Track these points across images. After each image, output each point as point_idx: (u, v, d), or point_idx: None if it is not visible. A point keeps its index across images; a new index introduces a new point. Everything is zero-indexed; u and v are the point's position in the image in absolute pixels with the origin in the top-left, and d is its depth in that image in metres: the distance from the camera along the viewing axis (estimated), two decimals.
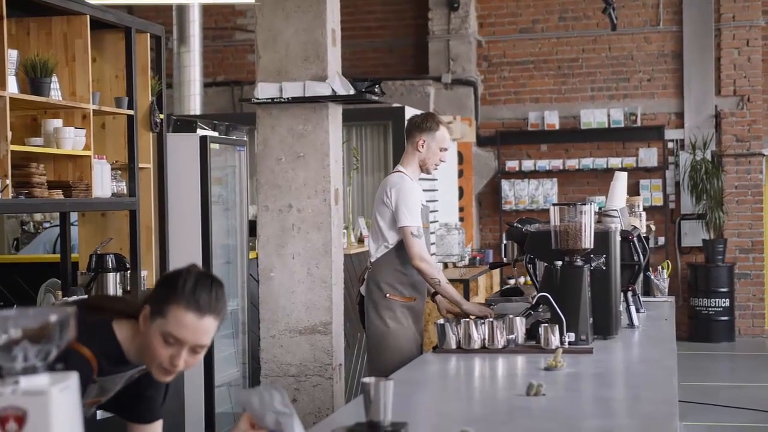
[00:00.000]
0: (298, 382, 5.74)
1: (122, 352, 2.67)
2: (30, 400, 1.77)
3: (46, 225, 9.00)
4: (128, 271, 5.72)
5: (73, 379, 1.85)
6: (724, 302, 12.29)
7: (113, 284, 5.56)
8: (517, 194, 13.01)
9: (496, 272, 11.57)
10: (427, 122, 5.37)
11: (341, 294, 6.06)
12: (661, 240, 12.62)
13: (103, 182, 5.41)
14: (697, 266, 12.48)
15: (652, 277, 6.52)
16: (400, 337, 5.18)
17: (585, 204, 4.46)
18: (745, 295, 12.66)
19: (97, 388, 2.70)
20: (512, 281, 12.34)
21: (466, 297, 8.32)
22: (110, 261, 5.55)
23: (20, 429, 1.76)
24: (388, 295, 5.23)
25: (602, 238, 4.58)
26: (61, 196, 5.09)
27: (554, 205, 4.50)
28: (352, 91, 5.89)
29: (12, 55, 4.83)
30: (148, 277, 5.97)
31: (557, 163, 12.89)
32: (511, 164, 13.02)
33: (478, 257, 11.10)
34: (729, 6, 12.64)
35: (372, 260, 5.31)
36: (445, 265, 10.13)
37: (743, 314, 12.63)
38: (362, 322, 5.43)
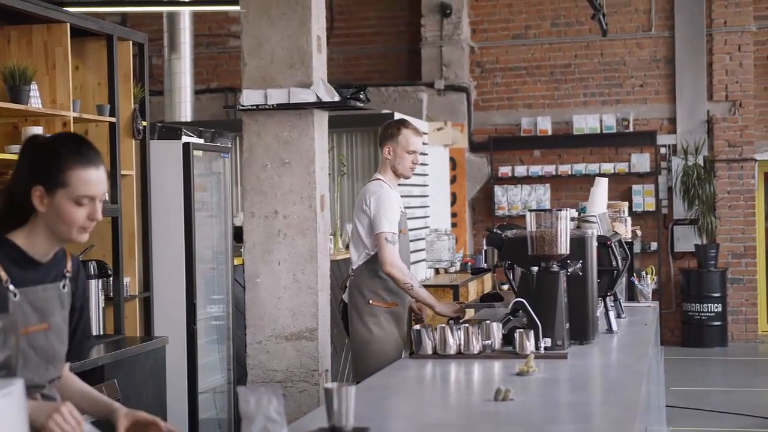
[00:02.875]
0: (284, 388, 5.75)
1: (25, 252, 2.73)
2: None
3: None
4: (110, 278, 5.73)
5: (17, 385, 1.86)
6: (717, 307, 12.30)
7: (95, 291, 5.56)
8: (510, 200, 13.03)
9: (488, 278, 11.57)
10: (388, 129, 5.50)
11: (327, 300, 6.07)
12: (654, 245, 12.63)
13: None
14: (689, 271, 12.49)
15: (636, 282, 6.53)
16: (384, 342, 5.23)
17: (561, 210, 4.47)
18: (738, 300, 12.66)
19: (27, 306, 2.71)
20: (506, 287, 12.34)
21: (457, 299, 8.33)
22: (92, 268, 5.55)
23: None
24: (371, 301, 5.29)
25: (579, 243, 4.58)
26: None
27: (531, 211, 4.52)
28: (336, 98, 5.91)
29: None
30: (131, 284, 5.98)
31: (550, 169, 12.90)
32: (504, 170, 13.03)
33: (469, 263, 11.10)
34: (721, 11, 12.66)
35: (354, 267, 5.37)
36: (436, 271, 10.13)
37: (736, 319, 12.64)
38: (346, 329, 5.46)
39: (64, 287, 2.84)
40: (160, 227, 6.29)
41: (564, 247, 4.43)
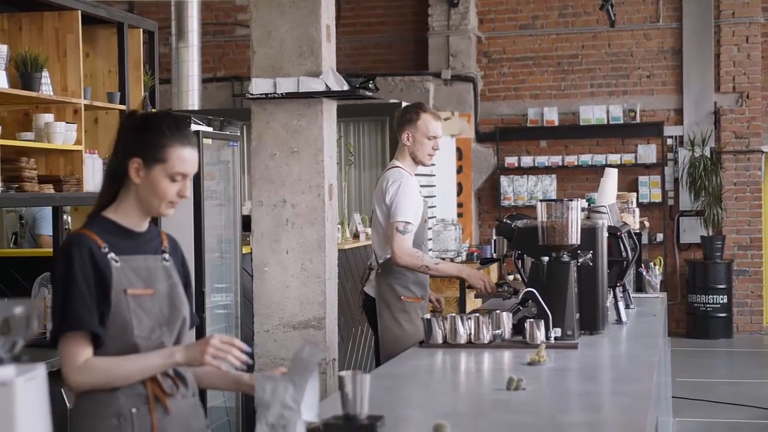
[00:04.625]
0: None
1: (119, 224, 2.86)
2: None
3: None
4: None
5: (40, 370, 1.87)
6: (722, 299, 12.30)
7: None
8: (516, 190, 13.03)
9: (495, 268, 11.58)
10: (407, 114, 5.34)
11: (335, 289, 6.07)
12: (660, 236, 12.63)
13: (95, 177, 5.43)
14: (695, 263, 12.49)
15: (644, 273, 6.53)
16: (417, 337, 5.10)
17: (572, 200, 4.47)
18: (744, 292, 12.66)
19: (131, 272, 2.83)
20: (510, 277, 12.34)
21: (463, 291, 8.28)
22: None
23: None
24: (402, 297, 5.18)
25: (589, 234, 4.58)
26: (52, 191, 5.11)
27: (541, 201, 4.51)
28: (345, 87, 5.90)
29: (2, 50, 4.85)
30: None
31: (556, 160, 12.90)
32: (510, 160, 13.03)
33: (476, 253, 11.10)
34: (729, 3, 12.64)
35: (380, 261, 5.23)
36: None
37: (741, 311, 12.64)
38: (370, 322, 5.37)
39: (165, 260, 2.94)
40: (169, 216, 6.28)
41: (575, 238, 4.43)
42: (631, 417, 2.96)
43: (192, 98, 10.25)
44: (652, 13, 12.90)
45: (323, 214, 5.91)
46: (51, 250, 6.43)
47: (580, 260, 4.50)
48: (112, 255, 2.81)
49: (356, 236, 8.41)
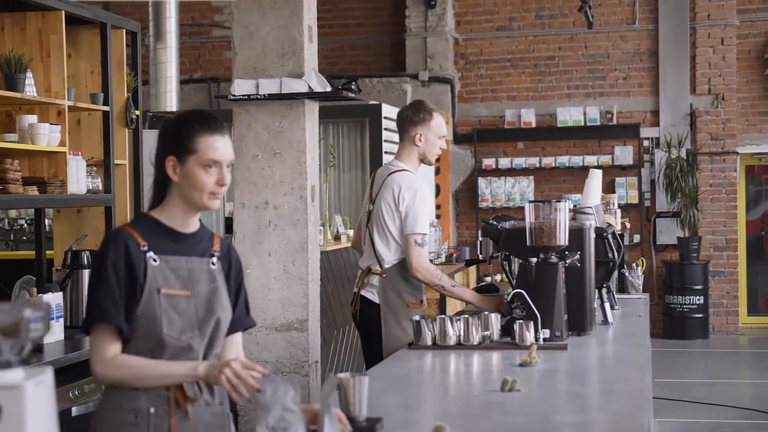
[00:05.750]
0: None
1: (163, 224, 2.91)
2: (4, 395, 1.77)
3: (21, 222, 8.96)
4: None
5: (48, 374, 1.85)
6: (699, 299, 12.38)
7: (88, 281, 5.52)
8: (494, 192, 13.05)
9: (473, 269, 11.61)
10: (420, 114, 5.11)
11: (317, 291, 6.06)
12: (636, 238, 12.69)
13: (79, 178, 5.39)
14: (671, 264, 12.56)
15: (627, 274, 6.55)
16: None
17: (560, 201, 4.48)
18: (719, 293, 12.75)
19: (170, 272, 2.86)
20: (488, 278, 12.38)
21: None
22: (86, 257, 5.52)
23: None
24: (409, 304, 5.05)
25: (577, 235, 4.60)
26: (36, 193, 5.07)
27: (530, 202, 4.52)
28: (328, 88, 5.89)
29: None
30: None
31: (534, 161, 12.93)
32: (488, 162, 13.05)
33: (455, 254, 11.12)
34: (704, 5, 12.72)
35: (387, 266, 5.05)
36: None
37: (717, 311, 12.72)
38: (365, 327, 5.20)
39: (213, 264, 2.96)
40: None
41: (563, 239, 4.44)
42: (627, 418, 2.97)
43: (170, 100, 10.20)
44: (629, 15, 12.96)
45: (306, 216, 5.90)
46: (32, 253, 6.37)
47: (567, 261, 4.51)
48: (151, 254, 2.86)
49: (337, 238, 8.39)
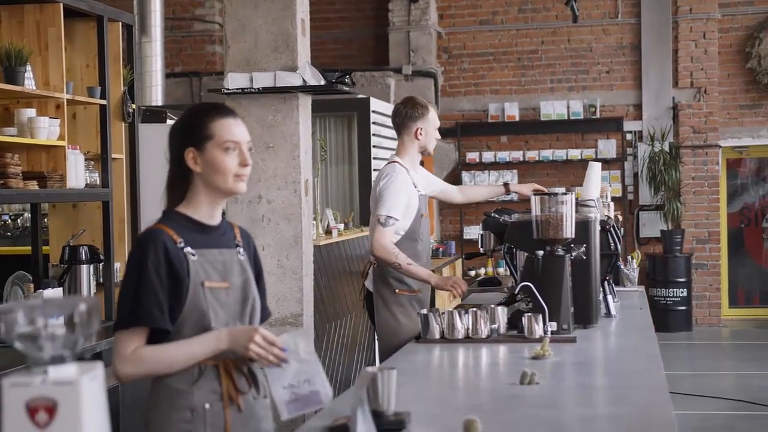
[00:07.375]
0: None
1: (191, 218, 2.90)
2: (60, 390, 1.76)
3: (5, 217, 8.86)
4: (102, 263, 5.65)
5: (99, 369, 1.83)
6: (682, 292, 12.44)
7: (86, 276, 5.49)
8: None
9: (458, 263, 11.61)
10: (417, 109, 5.36)
11: (311, 285, 6.05)
12: (621, 231, 12.72)
13: (77, 173, 5.34)
14: (655, 257, 12.61)
15: (623, 267, 6.57)
16: (412, 330, 5.07)
17: (566, 194, 4.48)
18: (702, 285, 12.82)
19: (208, 265, 2.85)
20: (473, 272, 12.39)
21: (433, 289, 8.27)
22: (83, 253, 5.47)
23: (50, 419, 1.74)
24: (397, 290, 5.20)
25: (582, 227, 4.60)
26: (36, 187, 5.02)
27: (535, 194, 4.51)
28: (322, 82, 5.87)
29: None
30: (122, 269, 5.91)
31: (517, 155, 12.94)
32: (472, 156, 13.06)
33: (440, 249, 11.13)
34: None
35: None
36: None
37: (700, 304, 12.79)
38: (371, 318, 5.35)
39: (240, 255, 2.95)
40: (149, 212, 6.21)
41: (569, 231, 4.44)
42: (655, 411, 2.95)
43: (156, 94, 10.12)
44: (611, 9, 13.00)
45: (299, 210, 5.88)
46: (18, 249, 6.32)
47: (573, 254, 4.51)
48: (188, 249, 2.84)
49: (329, 232, 8.36)
